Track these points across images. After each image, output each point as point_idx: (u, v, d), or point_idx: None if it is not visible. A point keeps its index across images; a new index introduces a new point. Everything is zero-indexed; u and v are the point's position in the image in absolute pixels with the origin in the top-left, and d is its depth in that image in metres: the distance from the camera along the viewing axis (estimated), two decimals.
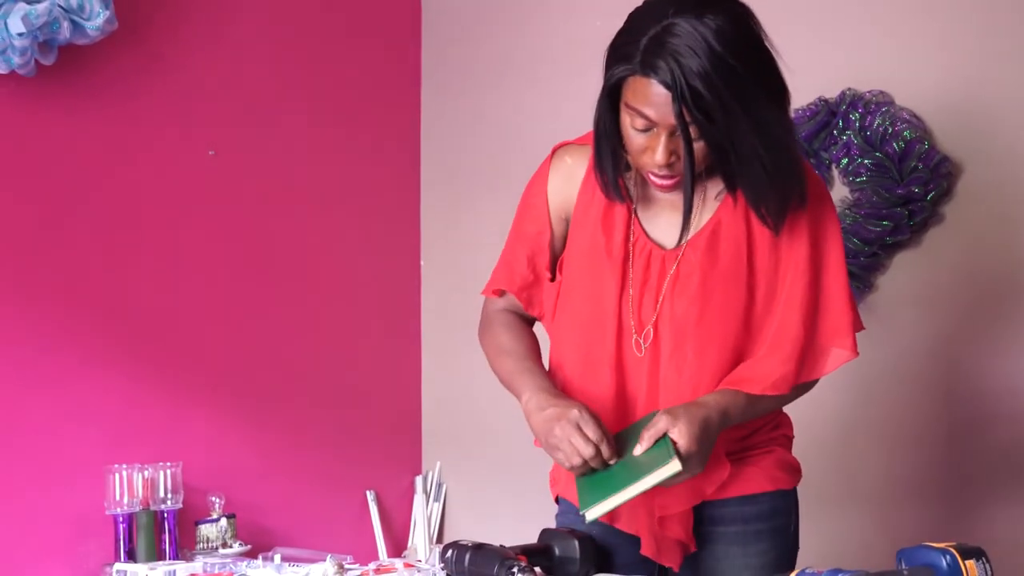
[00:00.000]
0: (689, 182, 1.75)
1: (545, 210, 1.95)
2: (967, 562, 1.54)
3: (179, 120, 3.48)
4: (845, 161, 3.02)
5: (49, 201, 3.20)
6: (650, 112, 1.71)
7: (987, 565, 1.56)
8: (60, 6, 2.94)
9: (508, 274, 1.99)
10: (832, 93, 3.07)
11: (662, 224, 1.89)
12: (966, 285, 2.95)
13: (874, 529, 3.03)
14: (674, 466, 1.68)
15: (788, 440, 2.02)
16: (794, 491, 2.00)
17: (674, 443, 1.71)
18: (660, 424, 1.73)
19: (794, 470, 2.00)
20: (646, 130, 1.74)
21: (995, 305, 2.92)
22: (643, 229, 1.88)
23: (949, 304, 2.98)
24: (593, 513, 1.71)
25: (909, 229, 2.96)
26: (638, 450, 1.73)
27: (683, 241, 1.85)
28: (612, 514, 1.88)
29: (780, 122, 1.75)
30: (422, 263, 4.12)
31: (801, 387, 1.93)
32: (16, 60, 2.95)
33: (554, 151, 1.99)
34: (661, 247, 1.88)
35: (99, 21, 3.02)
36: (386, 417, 3.99)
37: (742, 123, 1.69)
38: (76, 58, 3.18)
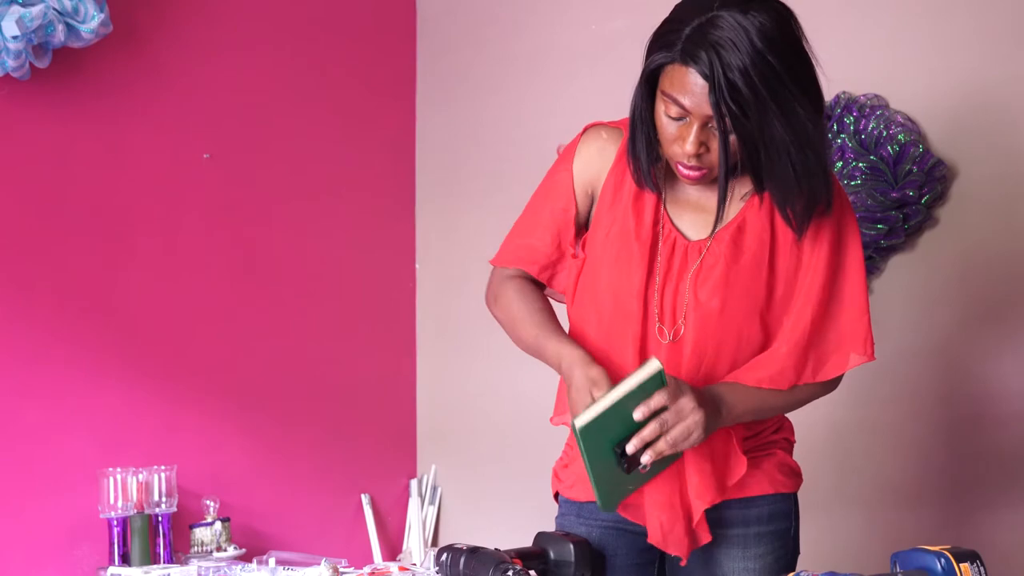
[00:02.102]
0: (723, 174, 1.77)
1: (571, 186, 1.95)
2: (961, 565, 1.54)
3: (174, 123, 3.48)
4: (840, 164, 3.02)
5: (43, 204, 3.20)
6: (685, 101, 1.73)
7: (982, 568, 1.56)
8: (55, 9, 2.94)
9: (529, 253, 1.98)
10: (827, 97, 3.04)
11: (687, 221, 1.90)
12: (960, 288, 2.96)
13: (869, 532, 3.03)
14: (654, 364, 1.70)
15: (789, 444, 2.03)
16: (795, 495, 2.00)
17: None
18: (663, 393, 1.73)
19: (795, 474, 2.01)
20: (679, 119, 1.76)
21: (989, 308, 2.92)
22: (670, 219, 1.90)
23: (943, 307, 2.98)
24: (583, 419, 1.69)
25: (904, 232, 2.96)
26: (634, 444, 1.73)
27: (715, 230, 1.86)
28: (621, 504, 1.88)
29: (814, 124, 1.76)
30: (417, 267, 4.12)
31: (813, 389, 1.93)
32: (10, 63, 2.95)
33: (586, 129, 1.99)
34: (686, 239, 1.89)
35: (94, 24, 3.02)
36: (381, 421, 3.99)
37: (775, 120, 1.71)
38: (71, 61, 3.18)
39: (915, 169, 2.92)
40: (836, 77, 3.05)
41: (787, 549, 1.98)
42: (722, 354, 1.87)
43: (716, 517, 1.92)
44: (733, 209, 1.88)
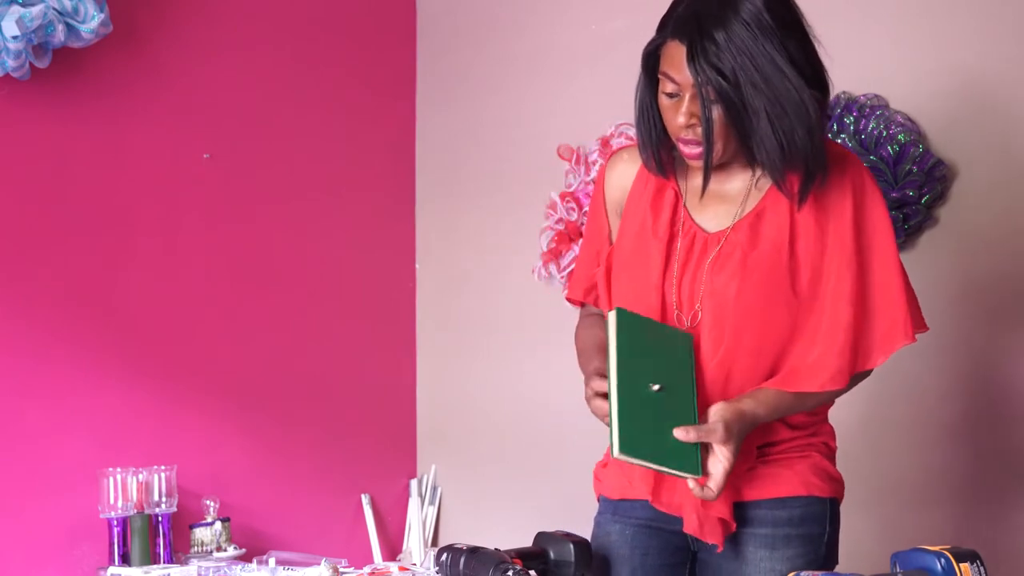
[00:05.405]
0: (706, 141, 1.79)
1: (603, 210, 2.04)
2: (961, 565, 1.54)
3: (174, 124, 3.48)
4: None
5: (43, 205, 3.20)
6: (675, 75, 1.78)
7: (982, 568, 1.55)
8: (55, 9, 2.94)
9: (579, 282, 2.08)
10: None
11: (708, 215, 1.92)
12: (960, 288, 2.96)
13: (871, 532, 3.03)
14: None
15: (829, 449, 2.01)
16: (830, 501, 1.97)
17: (705, 455, 1.75)
18: (716, 435, 1.74)
19: (832, 479, 1.98)
20: (674, 95, 1.81)
21: (989, 307, 2.92)
22: (690, 215, 1.92)
23: (943, 307, 2.98)
24: (624, 459, 1.72)
25: (904, 232, 2.96)
26: (680, 435, 1.73)
27: (735, 219, 1.87)
28: (654, 494, 1.89)
29: (798, 90, 1.77)
30: (417, 267, 4.12)
31: (854, 379, 1.94)
32: (10, 63, 2.95)
33: (610, 156, 2.06)
34: (706, 232, 1.91)
35: (94, 24, 3.02)
36: (381, 421, 3.99)
37: (758, 85, 1.74)
38: (70, 61, 3.18)
39: (915, 169, 2.92)
40: (836, 77, 3.05)
41: (819, 554, 1.94)
42: (742, 339, 1.85)
43: (747, 516, 1.92)
44: (754, 199, 1.90)
